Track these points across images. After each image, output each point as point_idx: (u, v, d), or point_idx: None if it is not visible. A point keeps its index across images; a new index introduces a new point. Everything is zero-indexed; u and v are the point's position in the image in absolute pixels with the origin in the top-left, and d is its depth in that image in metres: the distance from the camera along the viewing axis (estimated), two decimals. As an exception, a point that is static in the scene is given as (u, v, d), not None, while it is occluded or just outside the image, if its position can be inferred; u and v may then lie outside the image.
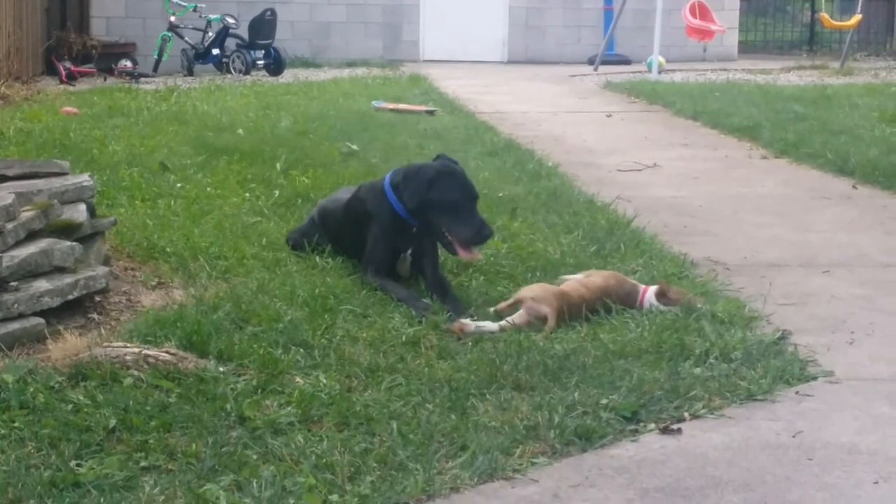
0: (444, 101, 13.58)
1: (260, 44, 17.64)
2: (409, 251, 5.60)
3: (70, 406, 3.92)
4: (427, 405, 4.03)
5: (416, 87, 15.15)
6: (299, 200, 7.30)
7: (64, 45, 17.54)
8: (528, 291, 5.00)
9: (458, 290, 5.38)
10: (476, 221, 5.44)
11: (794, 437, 3.89)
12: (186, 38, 17.83)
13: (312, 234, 6.10)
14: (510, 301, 5.02)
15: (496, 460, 3.62)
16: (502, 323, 4.87)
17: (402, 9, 20.50)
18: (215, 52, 17.74)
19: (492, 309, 5.01)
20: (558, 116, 12.62)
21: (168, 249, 6.03)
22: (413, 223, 5.54)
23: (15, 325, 4.62)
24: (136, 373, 4.18)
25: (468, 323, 4.83)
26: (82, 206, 5.42)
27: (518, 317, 4.89)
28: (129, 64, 17.32)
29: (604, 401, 4.05)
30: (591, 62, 19.21)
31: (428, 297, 5.30)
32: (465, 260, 5.57)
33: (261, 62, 17.54)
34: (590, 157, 9.57)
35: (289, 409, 3.97)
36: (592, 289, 5.06)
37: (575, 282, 5.16)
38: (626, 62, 19.68)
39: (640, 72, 17.79)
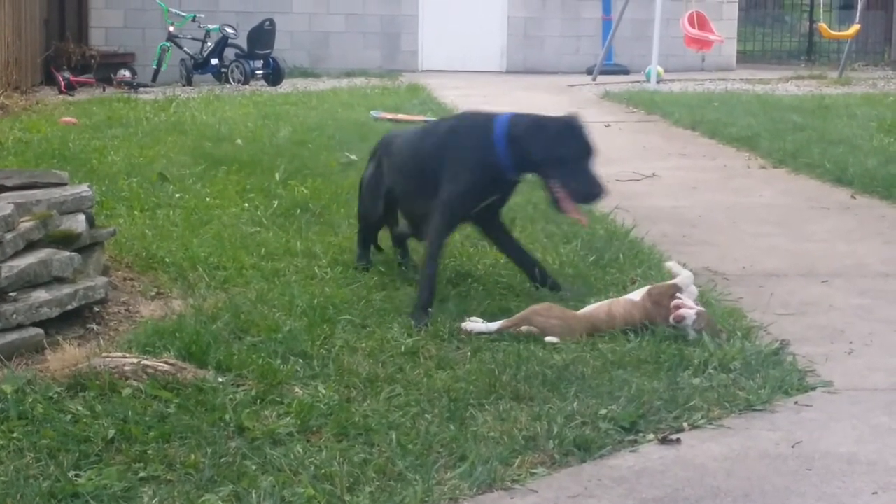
0: (443, 110, 13.57)
1: (259, 54, 17.66)
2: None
3: (69, 416, 3.93)
4: (426, 415, 4.03)
5: (414, 97, 15.16)
6: (298, 210, 7.31)
7: (63, 55, 17.55)
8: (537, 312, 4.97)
9: (456, 301, 5.38)
10: (591, 178, 5.25)
11: (792, 447, 3.89)
12: (185, 48, 17.84)
13: (379, 187, 5.94)
14: (515, 319, 4.98)
15: (495, 471, 3.62)
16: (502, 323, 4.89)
17: (400, 19, 20.51)
18: (214, 62, 17.75)
19: (495, 326, 4.96)
20: (557, 126, 12.58)
21: (167, 260, 6.03)
22: (513, 176, 5.39)
23: (14, 336, 4.62)
24: (134, 383, 4.18)
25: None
26: (81, 217, 5.42)
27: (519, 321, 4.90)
28: (127, 74, 17.34)
29: (603, 411, 4.05)
30: (589, 72, 19.22)
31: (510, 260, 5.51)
32: (571, 218, 5.47)
33: (260, 72, 17.56)
34: (588, 167, 9.54)
35: (288, 419, 3.97)
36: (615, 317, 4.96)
37: (595, 309, 5.05)
38: (625, 72, 19.68)
39: (638, 81, 17.80)
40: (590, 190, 5.25)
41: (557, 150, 5.20)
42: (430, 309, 5.17)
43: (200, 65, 17.82)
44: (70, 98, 15.46)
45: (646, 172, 9.42)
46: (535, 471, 3.68)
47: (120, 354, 4.44)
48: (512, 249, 5.74)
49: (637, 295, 5.01)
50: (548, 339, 4.79)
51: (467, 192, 5.39)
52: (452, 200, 5.39)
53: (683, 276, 5.05)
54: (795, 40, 25.95)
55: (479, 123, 5.46)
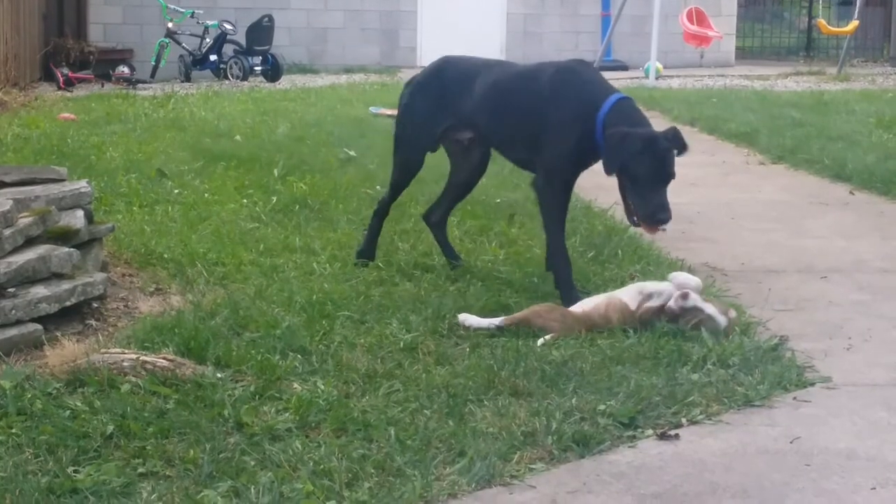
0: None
1: (257, 50, 17.66)
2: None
3: (67, 412, 3.92)
4: (425, 411, 4.03)
5: (413, 94, 15.11)
6: (297, 206, 7.31)
7: (62, 51, 17.55)
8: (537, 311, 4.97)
9: (455, 297, 5.38)
10: (656, 201, 5.17)
11: (791, 442, 3.89)
12: (184, 45, 17.85)
13: (435, 125, 5.81)
14: (516, 318, 4.98)
15: (494, 466, 3.62)
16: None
17: (399, 15, 20.52)
18: (213, 58, 17.75)
19: (497, 322, 4.95)
20: (556, 122, 12.58)
21: (166, 255, 6.03)
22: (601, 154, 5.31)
23: (12, 332, 4.62)
24: (133, 379, 4.18)
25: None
26: (80, 213, 5.42)
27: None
28: (126, 70, 17.34)
29: (601, 407, 4.05)
30: (588, 68, 19.21)
31: None
32: (641, 229, 5.45)
33: (258, 68, 17.56)
34: (587, 163, 9.55)
35: (286, 415, 3.97)
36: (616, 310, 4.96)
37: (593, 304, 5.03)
38: (624, 68, 19.69)
39: (637, 78, 17.79)
40: (655, 214, 5.17)
41: (635, 167, 5.15)
42: (573, 282, 5.31)
43: (199, 61, 17.83)
44: (69, 94, 15.46)
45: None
46: (533, 466, 3.67)
47: (119, 350, 4.44)
48: None
49: (631, 301, 4.97)
50: (540, 341, 4.76)
51: (570, 157, 5.42)
52: (556, 165, 5.45)
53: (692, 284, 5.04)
54: (794, 36, 25.99)
55: (588, 91, 5.44)
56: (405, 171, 6.00)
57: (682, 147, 5.30)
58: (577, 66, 5.65)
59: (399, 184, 6.04)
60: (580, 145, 5.35)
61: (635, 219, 5.25)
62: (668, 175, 5.20)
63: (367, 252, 6.03)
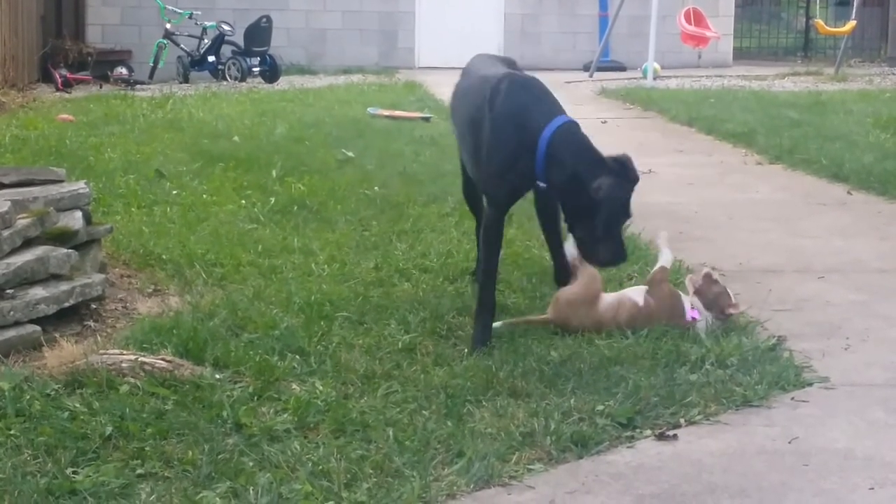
0: (440, 107, 13.56)
1: (256, 51, 17.66)
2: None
3: (66, 413, 3.92)
4: (423, 412, 4.03)
5: (411, 94, 15.15)
6: (295, 207, 7.31)
7: (60, 52, 17.54)
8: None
9: (454, 297, 5.38)
10: (617, 244, 4.77)
11: (789, 442, 3.90)
12: (182, 46, 17.84)
13: None
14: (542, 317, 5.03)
15: (492, 467, 3.63)
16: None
17: (397, 16, 20.52)
18: (211, 59, 17.75)
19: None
20: (554, 123, 12.57)
21: (164, 256, 6.03)
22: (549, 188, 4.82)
23: (11, 333, 4.62)
24: (132, 380, 4.18)
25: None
26: (78, 214, 5.42)
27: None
28: (124, 71, 17.34)
29: (600, 407, 4.05)
30: (586, 69, 19.23)
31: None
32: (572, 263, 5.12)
33: (256, 69, 17.56)
34: (585, 164, 9.53)
35: (285, 416, 3.97)
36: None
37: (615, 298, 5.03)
38: (622, 68, 19.69)
39: (635, 78, 17.80)
40: (615, 258, 4.84)
41: (608, 211, 4.65)
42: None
43: (197, 62, 17.82)
44: (67, 95, 15.45)
45: (642, 169, 9.28)
46: (532, 467, 3.68)
47: (117, 351, 4.44)
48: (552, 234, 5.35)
49: (639, 296, 5.01)
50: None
51: (501, 181, 4.90)
52: (488, 183, 4.99)
53: (667, 256, 5.11)
54: (792, 37, 25.99)
55: (530, 102, 4.87)
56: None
57: (636, 178, 4.82)
58: (522, 83, 5.01)
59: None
60: (514, 174, 4.85)
61: (581, 255, 4.91)
62: (629, 215, 4.78)
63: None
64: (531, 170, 4.78)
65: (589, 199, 4.61)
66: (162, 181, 8.18)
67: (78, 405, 3.99)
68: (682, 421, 4.04)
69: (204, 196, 7.68)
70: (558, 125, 4.77)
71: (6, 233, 4.85)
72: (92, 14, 19.44)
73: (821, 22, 20.38)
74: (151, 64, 17.70)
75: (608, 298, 5.00)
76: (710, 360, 4.51)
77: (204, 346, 4.56)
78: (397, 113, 12.67)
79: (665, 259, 5.14)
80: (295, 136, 10.66)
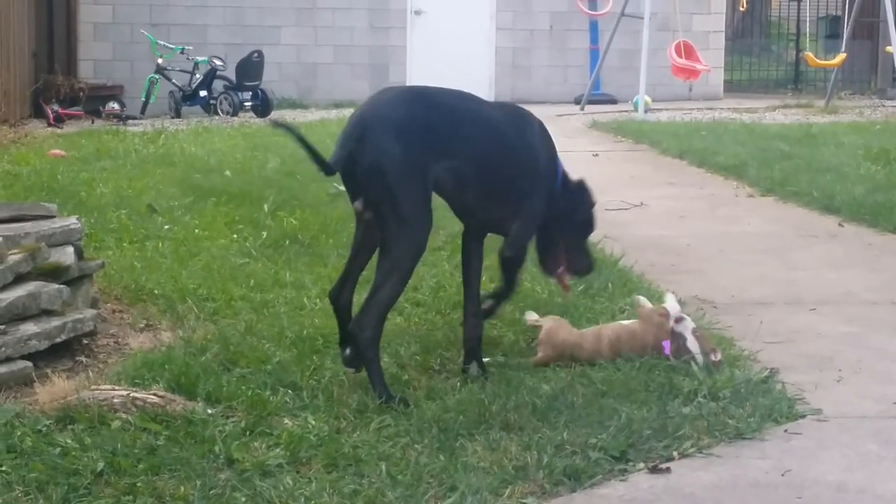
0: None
1: (247, 85, 17.69)
2: None
3: (58, 449, 3.91)
4: (416, 446, 4.03)
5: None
6: (287, 241, 7.31)
7: (52, 87, 17.53)
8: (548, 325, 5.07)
9: (445, 331, 5.37)
10: (590, 257, 5.42)
11: (782, 475, 3.89)
12: (174, 81, 17.86)
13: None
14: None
15: (485, 501, 3.62)
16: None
17: (388, 50, 20.58)
18: (203, 93, 17.77)
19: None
20: (545, 156, 12.60)
21: (156, 291, 6.03)
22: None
23: (2, 369, 4.61)
24: (123, 415, 4.18)
25: None
26: (70, 249, 5.42)
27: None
28: (116, 106, 17.34)
29: (593, 440, 4.05)
30: (577, 101, 19.28)
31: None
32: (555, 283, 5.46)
33: (248, 104, 17.58)
34: (577, 197, 9.56)
35: (277, 450, 3.96)
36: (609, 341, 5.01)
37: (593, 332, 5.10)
38: (613, 101, 19.74)
39: (626, 111, 17.84)
40: (590, 267, 5.42)
41: (587, 228, 5.34)
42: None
43: (189, 97, 17.84)
44: (59, 130, 15.45)
45: (634, 201, 9.44)
46: (525, 500, 3.67)
47: (109, 387, 4.43)
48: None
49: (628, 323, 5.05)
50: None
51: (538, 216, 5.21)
52: (531, 224, 5.15)
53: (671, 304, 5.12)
54: (782, 69, 26.07)
55: (544, 139, 5.12)
56: None
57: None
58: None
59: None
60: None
61: (559, 270, 5.26)
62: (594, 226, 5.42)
63: None
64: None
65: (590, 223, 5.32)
66: (154, 216, 8.18)
67: (69, 441, 3.98)
68: (674, 454, 4.04)
69: (196, 231, 7.68)
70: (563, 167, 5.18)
71: (-2, 268, 4.85)
72: (84, 49, 19.48)
73: (811, 55, 20.45)
74: (143, 99, 17.71)
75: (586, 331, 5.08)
76: (703, 393, 4.51)
77: (196, 381, 4.55)
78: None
79: (671, 306, 5.11)
80: (287, 170, 10.66)
